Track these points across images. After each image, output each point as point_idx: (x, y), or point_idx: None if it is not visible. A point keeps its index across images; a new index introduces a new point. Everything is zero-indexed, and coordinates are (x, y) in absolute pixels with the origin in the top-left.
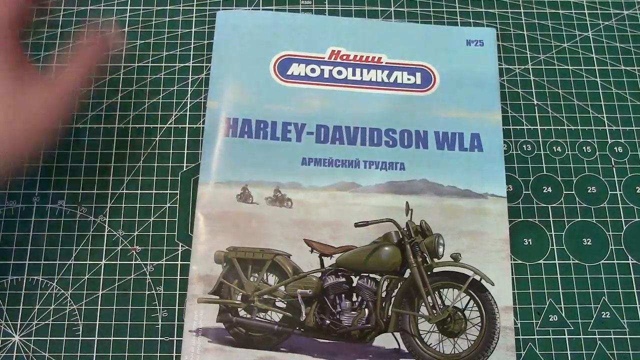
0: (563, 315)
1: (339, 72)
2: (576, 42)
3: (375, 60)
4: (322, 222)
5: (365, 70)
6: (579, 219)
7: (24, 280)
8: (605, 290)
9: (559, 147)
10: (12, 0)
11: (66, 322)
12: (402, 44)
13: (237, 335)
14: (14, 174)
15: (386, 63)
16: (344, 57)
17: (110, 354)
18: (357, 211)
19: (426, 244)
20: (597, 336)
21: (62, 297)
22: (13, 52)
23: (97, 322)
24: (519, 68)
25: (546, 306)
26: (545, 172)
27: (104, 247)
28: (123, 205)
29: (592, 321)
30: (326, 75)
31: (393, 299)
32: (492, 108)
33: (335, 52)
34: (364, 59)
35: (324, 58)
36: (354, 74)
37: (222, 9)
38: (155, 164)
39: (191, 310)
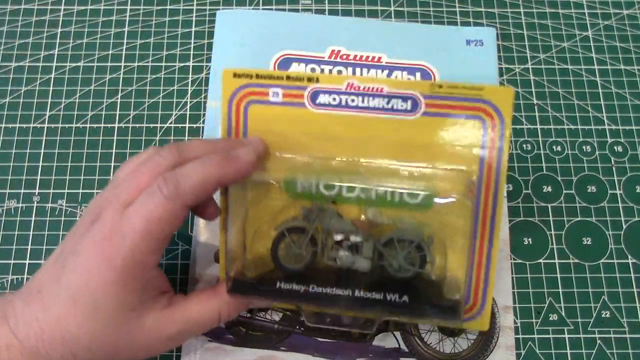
0: (563, 314)
1: (339, 72)
2: (576, 42)
3: (375, 60)
4: None
5: (365, 70)
6: (579, 219)
7: (24, 280)
8: (605, 290)
9: (558, 147)
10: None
11: None
12: (402, 44)
13: (237, 334)
14: None
15: (386, 63)
16: (344, 57)
17: None
18: None
19: None
20: (596, 335)
21: None
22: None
23: None
24: (519, 68)
25: (546, 305)
26: (545, 172)
27: None
28: None
29: (591, 320)
30: (326, 74)
31: None
32: None
33: (335, 52)
34: (363, 58)
35: (324, 58)
36: (353, 73)
37: (222, 9)
38: None
39: None
